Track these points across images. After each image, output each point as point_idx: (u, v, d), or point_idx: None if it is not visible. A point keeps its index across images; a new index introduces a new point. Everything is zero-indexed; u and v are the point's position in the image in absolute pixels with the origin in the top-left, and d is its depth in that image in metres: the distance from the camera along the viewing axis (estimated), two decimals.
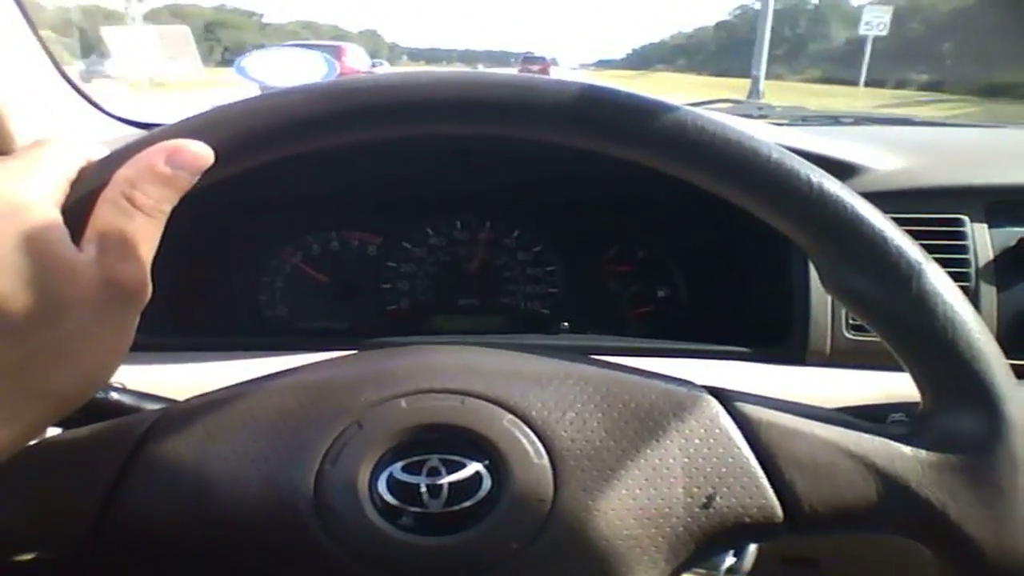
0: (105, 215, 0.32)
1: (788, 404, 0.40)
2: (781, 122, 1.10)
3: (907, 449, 0.36)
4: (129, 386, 0.49)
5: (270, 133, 0.35)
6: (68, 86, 0.96)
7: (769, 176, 0.35)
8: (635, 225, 0.86)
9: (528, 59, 47.29)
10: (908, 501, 0.35)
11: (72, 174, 0.34)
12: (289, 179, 0.80)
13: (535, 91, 0.35)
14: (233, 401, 0.39)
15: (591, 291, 0.86)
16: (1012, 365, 0.67)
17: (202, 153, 0.34)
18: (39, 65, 0.88)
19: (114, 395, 0.47)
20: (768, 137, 0.70)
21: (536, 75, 0.37)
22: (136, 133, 1.07)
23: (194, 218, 0.84)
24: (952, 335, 0.35)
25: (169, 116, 0.43)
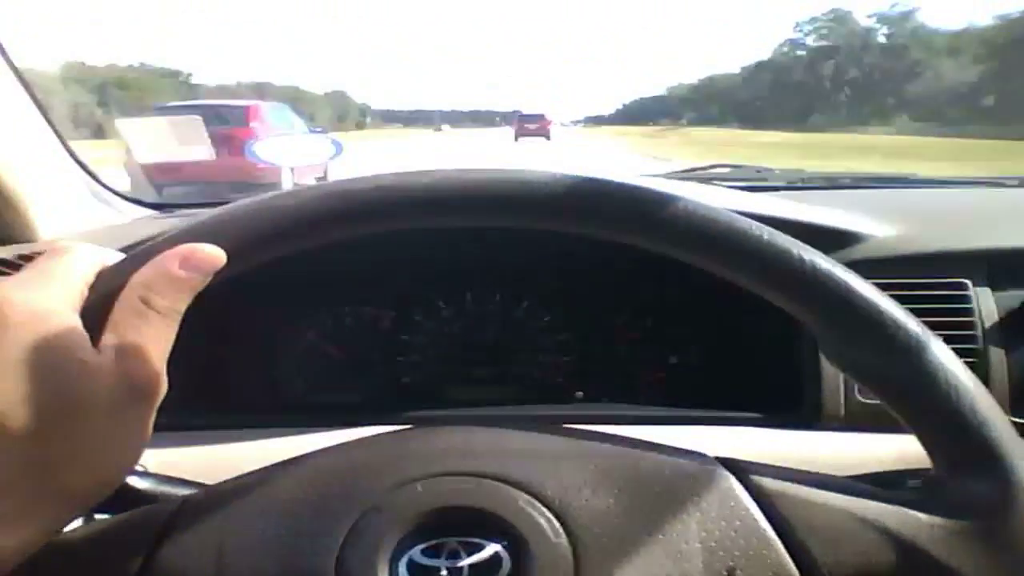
0: (123, 318, 0.34)
1: (802, 474, 0.40)
2: (779, 185, 1.12)
3: (922, 516, 0.37)
4: (151, 468, 0.50)
5: (277, 233, 0.38)
6: (82, 171, 0.99)
7: (763, 257, 0.37)
8: (644, 292, 0.87)
9: (525, 117, 39.29)
10: (926, 568, 0.36)
11: (90, 278, 0.36)
12: (301, 257, 0.82)
13: (531, 185, 0.38)
14: (251, 489, 0.40)
15: (603, 359, 0.87)
16: None
17: (215, 255, 0.36)
18: (53, 152, 0.92)
19: (135, 480, 0.47)
20: (769, 207, 0.72)
21: (529, 170, 0.39)
22: (148, 213, 1.10)
23: (206, 294, 0.86)
24: (956, 402, 0.36)
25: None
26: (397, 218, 0.39)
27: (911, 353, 0.36)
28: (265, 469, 0.41)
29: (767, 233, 0.37)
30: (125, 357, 0.33)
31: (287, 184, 4.13)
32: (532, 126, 37.27)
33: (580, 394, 0.82)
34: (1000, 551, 0.35)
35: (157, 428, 0.70)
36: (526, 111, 43.51)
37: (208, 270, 0.36)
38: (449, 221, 0.39)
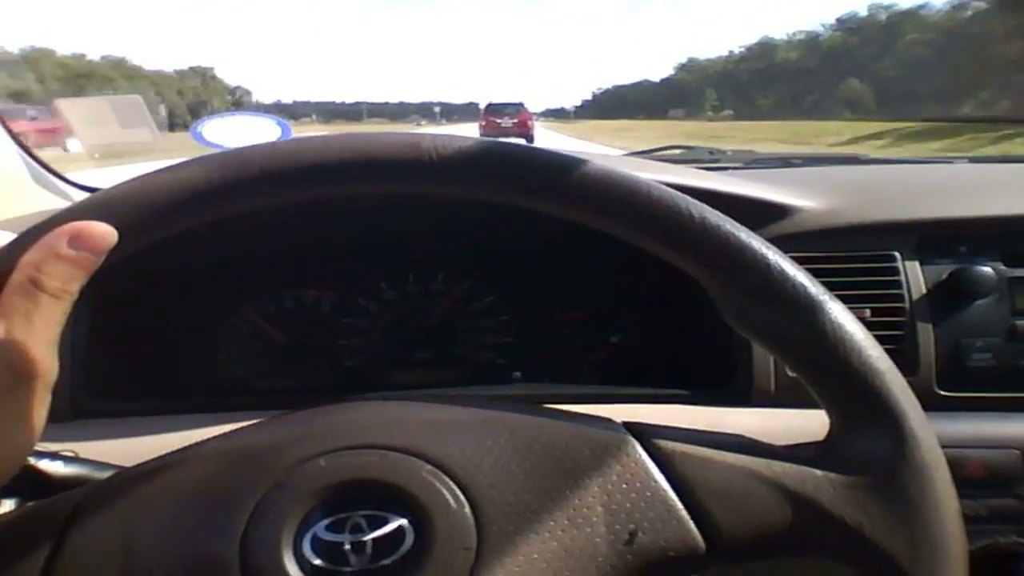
0: (11, 299, 0.33)
1: (703, 435, 0.41)
2: (731, 165, 1.13)
3: (818, 472, 0.37)
4: (83, 453, 0.49)
5: (170, 207, 0.36)
6: (22, 153, 0.97)
7: (652, 212, 0.37)
8: (584, 272, 0.87)
9: (495, 108, 26.84)
10: (824, 523, 0.36)
11: None
12: (239, 240, 0.81)
13: (423, 147, 0.37)
14: (158, 473, 0.39)
15: (544, 339, 0.87)
16: (950, 397, 0.68)
17: (104, 233, 0.35)
18: None
19: (60, 464, 0.46)
20: (706, 182, 0.72)
21: (427, 134, 0.38)
22: None
23: (146, 281, 0.86)
24: (847, 357, 0.36)
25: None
26: (294, 187, 0.38)
27: (803, 307, 0.37)
28: (173, 453, 0.41)
29: (655, 189, 0.37)
30: (13, 340, 0.33)
31: None
32: (507, 122, 25.09)
33: (518, 374, 0.82)
34: (896, 502, 0.36)
35: (96, 414, 0.69)
36: (497, 100, 30.73)
37: (98, 249, 0.35)
38: (343, 188, 0.38)
